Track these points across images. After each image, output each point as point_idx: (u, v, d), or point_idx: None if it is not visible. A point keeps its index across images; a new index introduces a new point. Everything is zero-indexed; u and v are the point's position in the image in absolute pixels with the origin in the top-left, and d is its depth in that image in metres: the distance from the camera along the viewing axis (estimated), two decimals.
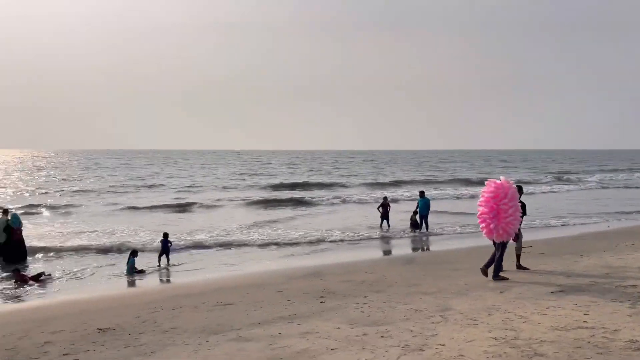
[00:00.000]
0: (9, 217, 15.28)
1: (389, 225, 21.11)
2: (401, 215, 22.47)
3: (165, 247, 15.05)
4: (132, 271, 13.89)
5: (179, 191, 40.48)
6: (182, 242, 17.52)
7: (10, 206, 19.19)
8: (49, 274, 13.47)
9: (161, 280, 13.78)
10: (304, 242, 18.26)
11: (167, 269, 14.68)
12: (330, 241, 18.55)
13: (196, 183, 47.82)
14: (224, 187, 44.06)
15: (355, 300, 9.45)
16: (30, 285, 12.72)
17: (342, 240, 18.73)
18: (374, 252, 17.25)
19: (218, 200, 33.26)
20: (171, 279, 13.96)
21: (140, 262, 14.38)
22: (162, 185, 46.12)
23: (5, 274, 13.59)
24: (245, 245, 17.88)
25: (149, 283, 13.30)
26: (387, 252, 17.91)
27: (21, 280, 12.80)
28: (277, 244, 18.09)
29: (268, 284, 11.40)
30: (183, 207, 29.80)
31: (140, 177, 57.81)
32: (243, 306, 9.42)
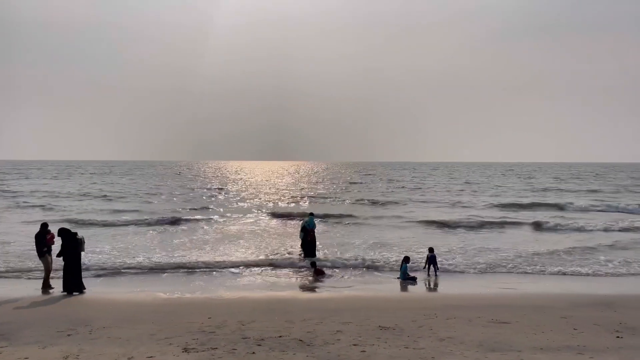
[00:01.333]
0: (307, 220, 17.97)
1: None
2: None
3: (432, 259, 15.49)
4: (405, 277, 14.66)
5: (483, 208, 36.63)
6: (452, 260, 17.29)
7: (313, 211, 21.15)
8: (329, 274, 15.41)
9: (430, 289, 14.08)
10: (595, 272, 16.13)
11: (435, 279, 14.97)
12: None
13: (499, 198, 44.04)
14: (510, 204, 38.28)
15: None
16: (323, 277, 14.98)
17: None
18: None
19: (502, 217, 29.53)
20: (439, 289, 14.12)
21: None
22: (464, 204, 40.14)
23: (303, 265, 16.36)
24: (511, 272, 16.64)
25: (420, 290, 13.78)
26: None
27: (318, 273, 15.19)
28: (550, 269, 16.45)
29: (548, 308, 10.49)
30: (475, 224, 26.76)
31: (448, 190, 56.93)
32: (521, 327, 8.90)
